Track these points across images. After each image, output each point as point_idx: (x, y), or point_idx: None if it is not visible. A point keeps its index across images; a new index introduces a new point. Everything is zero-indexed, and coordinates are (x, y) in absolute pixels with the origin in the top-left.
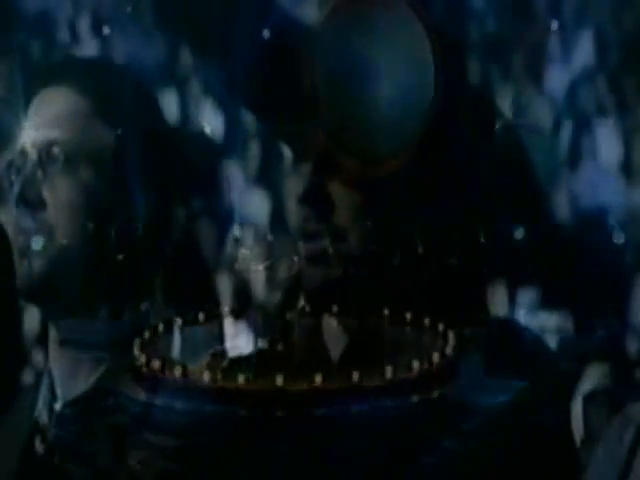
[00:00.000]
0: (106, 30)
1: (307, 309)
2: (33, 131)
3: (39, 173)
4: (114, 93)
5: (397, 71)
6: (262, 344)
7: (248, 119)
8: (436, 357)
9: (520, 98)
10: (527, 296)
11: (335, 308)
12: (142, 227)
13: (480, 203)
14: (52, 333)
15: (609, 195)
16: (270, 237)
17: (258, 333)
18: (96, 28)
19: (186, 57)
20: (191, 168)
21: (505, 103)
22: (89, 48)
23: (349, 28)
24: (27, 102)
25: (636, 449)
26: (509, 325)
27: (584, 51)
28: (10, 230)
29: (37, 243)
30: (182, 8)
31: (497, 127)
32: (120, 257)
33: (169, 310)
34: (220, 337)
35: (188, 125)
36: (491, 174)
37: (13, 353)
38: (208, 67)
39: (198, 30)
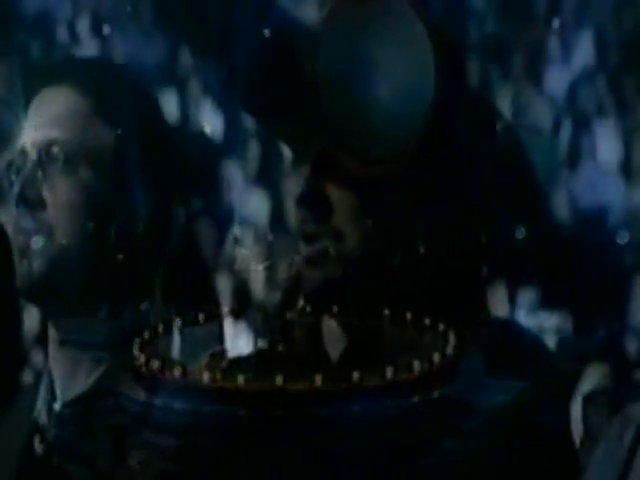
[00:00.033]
0: (106, 30)
1: (307, 309)
2: (33, 131)
3: (39, 173)
4: (114, 93)
5: (397, 71)
6: (262, 344)
7: (248, 119)
8: (436, 357)
9: (520, 98)
10: (527, 296)
11: (335, 308)
12: (142, 227)
13: (480, 203)
14: (52, 333)
15: (609, 195)
16: (270, 237)
17: (258, 333)
18: (96, 28)
19: (186, 57)
20: (191, 168)
21: (505, 103)
22: (89, 48)
23: (349, 28)
24: (27, 102)
25: (636, 449)
26: (509, 325)
27: (584, 51)
28: (10, 230)
29: (37, 243)
30: (182, 8)
31: (497, 127)
32: (120, 257)
33: (169, 310)
34: (220, 337)
35: (188, 125)
36: (491, 174)
37: (13, 353)
38: (208, 67)
39: (198, 30)
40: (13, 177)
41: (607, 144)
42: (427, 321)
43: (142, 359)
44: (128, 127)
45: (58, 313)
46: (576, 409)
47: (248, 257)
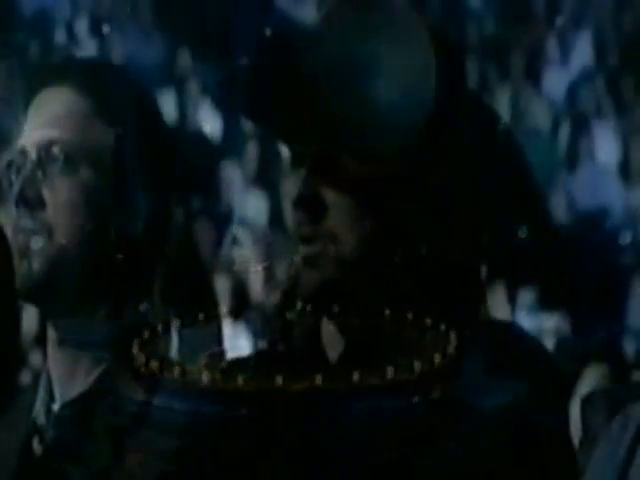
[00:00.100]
0: (105, 30)
1: (307, 309)
2: (33, 131)
3: (39, 173)
4: (114, 93)
5: (397, 71)
6: (262, 344)
7: (247, 119)
8: (437, 357)
9: (519, 99)
10: (527, 297)
11: (335, 308)
12: (141, 227)
13: (480, 203)
14: (51, 333)
15: (608, 196)
16: (269, 237)
17: (258, 333)
18: (96, 28)
19: (185, 58)
20: (190, 168)
21: (504, 104)
22: (89, 48)
23: (349, 28)
24: (27, 102)
25: (635, 449)
26: (509, 326)
27: (583, 53)
28: (10, 230)
29: (37, 243)
30: (181, 9)
31: (496, 128)
32: (119, 257)
33: (168, 310)
34: (219, 338)
35: (187, 125)
36: (490, 174)
37: (11, 353)
38: (207, 67)
39: (197, 30)
40: (13, 177)
41: (606, 145)
42: (428, 321)
43: (141, 359)
44: (128, 127)
45: (57, 313)
46: (575, 409)
47: (247, 258)
